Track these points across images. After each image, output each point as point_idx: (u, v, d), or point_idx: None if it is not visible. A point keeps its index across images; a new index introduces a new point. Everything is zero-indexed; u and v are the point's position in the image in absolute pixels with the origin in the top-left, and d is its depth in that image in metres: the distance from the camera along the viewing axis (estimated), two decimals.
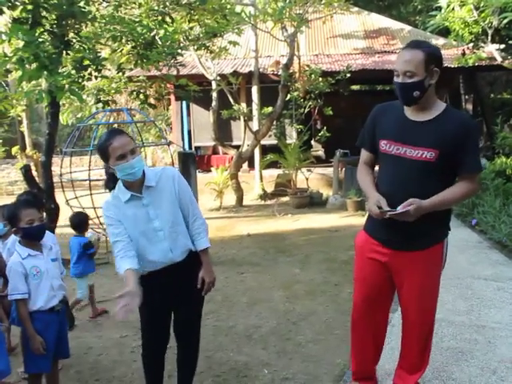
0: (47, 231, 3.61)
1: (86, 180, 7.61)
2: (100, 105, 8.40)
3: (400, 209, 2.68)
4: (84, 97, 8.61)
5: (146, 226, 2.93)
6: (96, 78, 7.02)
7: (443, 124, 2.76)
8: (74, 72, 6.42)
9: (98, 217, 7.32)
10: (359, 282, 3.11)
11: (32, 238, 3.25)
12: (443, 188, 2.76)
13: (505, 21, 10.75)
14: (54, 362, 3.45)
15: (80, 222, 5.23)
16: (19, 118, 21.11)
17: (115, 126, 10.21)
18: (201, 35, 10.09)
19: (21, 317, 3.17)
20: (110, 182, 3.01)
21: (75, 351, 4.22)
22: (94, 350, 4.37)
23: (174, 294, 3.04)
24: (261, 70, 13.29)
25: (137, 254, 2.92)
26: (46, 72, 5.61)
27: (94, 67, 6.54)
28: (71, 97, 8.28)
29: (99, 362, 4.13)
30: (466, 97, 15.37)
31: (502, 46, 12.72)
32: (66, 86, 5.82)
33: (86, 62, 6.48)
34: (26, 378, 3.79)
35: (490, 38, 12.26)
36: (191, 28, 10.23)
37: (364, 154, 3.12)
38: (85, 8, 6.39)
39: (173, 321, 3.18)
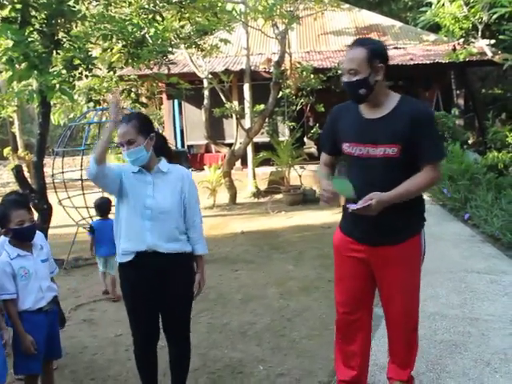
0: (37, 231, 3.63)
1: (78, 180, 7.57)
2: (91, 104, 8.36)
3: (361, 203, 2.66)
4: (75, 97, 8.59)
5: (139, 200, 2.98)
6: (87, 77, 6.99)
7: (399, 117, 2.74)
8: (64, 71, 6.39)
9: (90, 216, 7.30)
10: (340, 281, 3.08)
11: (23, 239, 3.20)
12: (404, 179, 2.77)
13: (495, 16, 10.81)
14: (48, 363, 3.39)
15: (103, 204, 5.78)
16: (10, 119, 21.06)
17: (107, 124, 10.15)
18: (191, 33, 10.08)
19: (10, 317, 3.12)
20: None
21: (70, 350, 4.22)
22: (88, 349, 4.36)
23: (159, 293, 3.05)
24: (252, 67, 13.28)
25: (121, 226, 3.07)
26: (36, 72, 5.57)
27: (85, 66, 6.51)
28: (62, 96, 8.24)
29: (94, 362, 4.12)
30: (458, 92, 15.41)
31: (493, 41, 12.77)
32: (57, 85, 5.79)
33: (77, 62, 6.45)
34: (20, 379, 3.79)
35: (480, 33, 12.33)
36: (182, 26, 10.21)
37: (323, 156, 3.17)
38: (74, 7, 6.36)
39: (161, 320, 3.19)
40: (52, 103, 8.22)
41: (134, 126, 2.95)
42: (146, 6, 8.05)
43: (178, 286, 3.05)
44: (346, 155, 2.92)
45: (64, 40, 6.42)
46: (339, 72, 12.34)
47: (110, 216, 5.67)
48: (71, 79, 6.42)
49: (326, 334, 4.29)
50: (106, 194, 5.74)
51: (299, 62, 12.78)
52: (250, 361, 3.91)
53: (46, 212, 6.78)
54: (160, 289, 3.03)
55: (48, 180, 7.43)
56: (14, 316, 3.11)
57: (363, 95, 2.74)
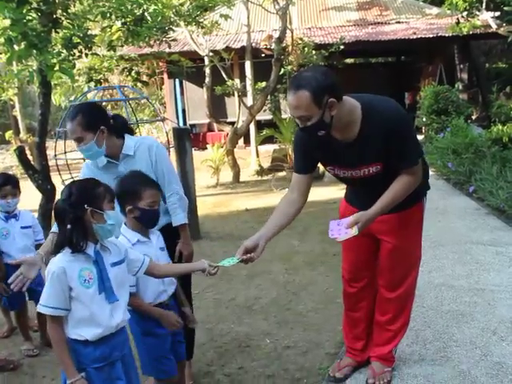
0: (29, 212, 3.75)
1: (81, 159, 7.55)
2: (92, 84, 8.32)
3: (344, 228, 2.56)
4: (76, 77, 8.54)
5: None
6: (87, 55, 6.93)
7: (371, 135, 2.54)
8: (64, 50, 6.34)
9: None
10: (345, 250, 3.11)
11: (148, 223, 2.71)
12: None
13: None
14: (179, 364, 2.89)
15: None
16: (11, 103, 21.00)
17: (108, 104, 10.13)
18: (191, 10, 9.97)
19: (138, 308, 2.61)
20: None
21: None
22: None
23: None
24: (253, 44, 13.17)
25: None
26: (35, 51, 5.52)
27: (85, 45, 6.46)
28: (62, 77, 8.21)
29: None
30: (461, 66, 15.28)
31: (497, 14, 12.62)
32: (57, 64, 5.74)
33: (76, 40, 6.40)
34: (29, 356, 3.83)
35: (484, 5, 12.17)
36: (181, 4, 10.12)
37: (296, 178, 2.85)
38: None
39: None
40: (53, 84, 8.17)
41: (79, 124, 2.80)
42: None
43: (172, 259, 2.99)
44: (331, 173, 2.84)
45: (62, 18, 6.36)
46: (341, 47, 12.25)
47: None
48: (71, 58, 6.37)
49: (332, 307, 4.30)
50: None
51: (301, 38, 12.66)
52: (257, 334, 3.92)
53: (50, 192, 6.78)
54: None
55: (51, 163, 7.41)
56: (143, 306, 2.64)
57: (325, 134, 2.51)
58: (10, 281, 2.61)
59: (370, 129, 2.54)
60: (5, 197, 3.78)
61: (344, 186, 3.12)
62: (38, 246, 3.76)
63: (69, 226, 2.18)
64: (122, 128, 3.04)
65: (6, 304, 4.01)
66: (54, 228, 2.68)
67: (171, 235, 3.01)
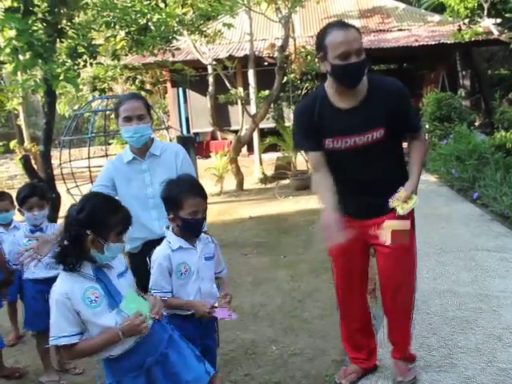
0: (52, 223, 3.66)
1: (85, 167, 7.59)
2: (96, 93, 8.37)
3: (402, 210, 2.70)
4: (80, 87, 8.59)
5: (140, 191, 2.98)
6: (91, 65, 6.98)
7: (376, 100, 2.69)
8: (68, 60, 6.40)
9: None
10: (337, 258, 3.05)
11: (191, 233, 2.60)
12: (399, 152, 2.88)
13: None
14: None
15: None
16: (16, 112, 21.11)
17: (112, 113, 10.18)
18: (194, 19, 10.03)
19: (168, 306, 2.51)
20: None
21: None
22: None
23: None
24: (256, 53, 13.24)
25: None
26: (40, 60, 5.58)
27: (89, 54, 6.51)
28: (67, 86, 8.27)
29: None
30: (463, 73, 15.31)
31: (499, 20, 12.65)
32: (62, 74, 5.79)
33: (81, 50, 6.45)
34: None
35: (486, 12, 12.20)
36: (185, 13, 10.18)
37: (315, 157, 2.84)
38: None
39: None
40: (57, 93, 8.23)
41: (144, 103, 2.97)
42: None
43: None
44: (329, 151, 2.79)
45: (67, 28, 6.42)
46: None
47: None
48: (76, 67, 6.42)
49: (337, 313, 4.28)
50: None
51: (303, 46, 12.72)
52: (263, 341, 3.93)
53: (55, 201, 6.81)
54: None
55: (56, 171, 7.44)
56: (172, 302, 2.53)
57: (363, 75, 2.65)
58: (20, 251, 2.64)
59: (375, 93, 2.69)
60: (31, 209, 3.52)
61: None
62: None
63: (66, 243, 2.10)
64: None
65: (28, 324, 3.72)
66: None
67: None
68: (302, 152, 12.10)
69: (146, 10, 7.55)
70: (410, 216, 2.85)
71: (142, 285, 3.10)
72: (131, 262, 3.16)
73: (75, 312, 2.05)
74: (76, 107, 13.34)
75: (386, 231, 2.76)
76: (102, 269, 2.17)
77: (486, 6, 11.98)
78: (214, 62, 12.18)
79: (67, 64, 6.23)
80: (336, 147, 2.75)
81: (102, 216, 2.12)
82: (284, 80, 12.04)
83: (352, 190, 2.84)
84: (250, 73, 12.80)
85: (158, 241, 2.97)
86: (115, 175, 3.00)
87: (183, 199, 2.49)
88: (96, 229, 2.09)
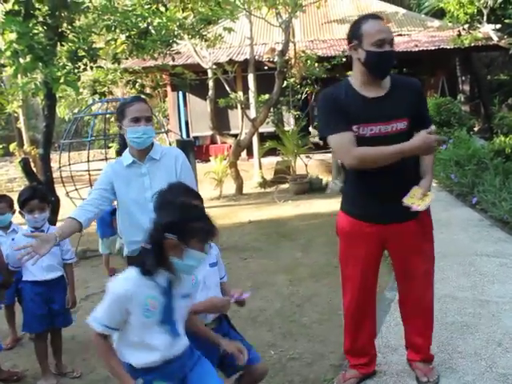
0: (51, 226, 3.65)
1: (85, 171, 7.59)
2: (97, 96, 8.38)
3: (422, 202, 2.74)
4: (80, 90, 8.60)
5: (139, 195, 2.98)
6: (92, 68, 7.00)
7: (400, 93, 2.80)
8: (69, 63, 6.41)
9: None
10: (353, 264, 3.00)
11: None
12: None
13: (499, 0, 10.71)
14: None
15: None
16: (15, 115, 21.12)
17: (112, 116, 10.19)
18: (195, 24, 10.06)
19: (194, 330, 2.36)
20: (122, 151, 3.10)
21: (81, 339, 4.27)
22: None
23: None
24: (256, 57, 13.25)
25: (127, 222, 3.03)
26: (41, 64, 5.59)
27: (89, 58, 6.53)
28: (67, 89, 8.27)
29: None
30: (463, 78, 15.35)
31: (498, 26, 12.68)
32: (62, 77, 5.80)
33: (81, 53, 6.47)
34: None
35: (485, 17, 12.23)
36: (185, 17, 10.20)
37: (345, 137, 2.72)
38: None
39: None
40: (57, 97, 8.23)
41: (149, 106, 3.01)
42: None
43: None
44: None
45: (68, 32, 6.44)
46: (343, 60, 12.31)
47: None
48: (76, 71, 6.44)
49: (336, 318, 4.29)
50: None
51: (303, 51, 12.75)
52: (261, 346, 3.91)
53: (54, 204, 6.81)
54: None
55: (55, 175, 7.45)
56: (201, 330, 2.43)
57: (392, 66, 2.77)
58: (17, 248, 2.62)
59: (401, 86, 2.83)
60: (31, 212, 3.52)
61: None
62: (65, 266, 3.72)
63: (149, 246, 2.05)
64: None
65: (27, 327, 3.70)
66: (72, 213, 2.81)
67: None
68: (302, 156, 12.18)
69: (147, 14, 7.58)
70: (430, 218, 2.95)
71: None
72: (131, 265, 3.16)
73: (126, 311, 2.03)
74: (76, 110, 13.33)
75: (416, 196, 2.76)
76: (174, 284, 2.12)
77: (485, 11, 12.01)
78: (214, 66, 12.21)
79: (67, 67, 6.24)
80: (361, 134, 2.76)
81: (185, 220, 2.07)
82: (284, 84, 12.06)
83: (373, 185, 2.82)
84: (250, 77, 12.82)
85: None
86: (114, 179, 3.00)
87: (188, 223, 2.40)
88: (178, 232, 2.03)
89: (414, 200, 2.73)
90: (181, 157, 3.10)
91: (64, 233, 2.74)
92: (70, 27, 6.48)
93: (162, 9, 8.14)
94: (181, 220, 2.05)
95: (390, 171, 2.72)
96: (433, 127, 2.79)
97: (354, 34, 2.76)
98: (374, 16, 2.80)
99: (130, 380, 2.03)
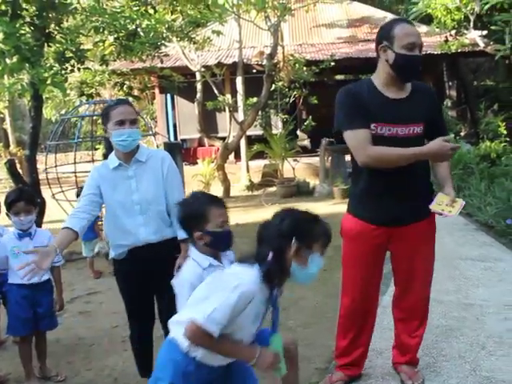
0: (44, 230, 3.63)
1: (72, 172, 7.55)
2: (84, 98, 8.34)
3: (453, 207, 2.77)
4: (67, 91, 8.56)
5: (126, 198, 2.97)
6: (79, 70, 6.97)
7: (419, 97, 2.85)
8: (56, 64, 6.38)
9: None
10: (356, 266, 3.01)
11: (221, 247, 2.47)
12: None
13: (486, 6, 10.83)
14: None
15: None
16: (1, 116, 20.97)
17: (99, 118, 10.15)
18: (184, 26, 10.05)
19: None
20: (108, 154, 3.09)
21: (66, 342, 4.24)
22: (85, 340, 4.36)
23: (153, 281, 3.04)
24: (245, 60, 13.26)
25: (113, 225, 3.02)
26: (27, 64, 5.56)
27: (77, 59, 6.50)
28: (54, 91, 8.22)
29: (90, 352, 4.12)
30: (450, 84, 15.47)
31: (485, 32, 12.80)
32: (49, 78, 5.77)
33: (69, 54, 6.44)
34: None
35: (472, 24, 12.34)
36: (174, 19, 10.19)
37: (362, 135, 2.74)
38: (65, 0, 6.35)
39: (157, 309, 3.20)
40: (44, 98, 8.18)
41: (134, 109, 3.01)
42: None
43: (171, 273, 3.01)
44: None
45: (55, 33, 6.41)
46: (332, 64, 12.37)
47: None
48: (63, 72, 6.40)
49: (322, 321, 4.30)
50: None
51: (292, 55, 12.78)
52: None
53: (40, 206, 6.76)
54: (153, 277, 3.02)
55: (41, 176, 7.40)
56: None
57: (419, 71, 2.82)
58: (18, 268, 2.57)
59: (421, 91, 2.89)
60: (17, 214, 3.47)
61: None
62: (52, 269, 3.64)
63: (270, 257, 1.95)
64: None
65: (11, 329, 3.65)
66: (66, 223, 2.79)
67: (173, 249, 3.02)
68: (289, 160, 12.20)
69: (135, 16, 7.56)
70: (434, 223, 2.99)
71: (132, 290, 3.10)
72: (118, 267, 3.15)
73: (241, 312, 1.94)
74: (63, 112, 13.25)
75: (445, 203, 2.77)
76: (276, 292, 2.06)
77: (472, 18, 12.12)
78: (203, 69, 12.21)
79: (55, 68, 6.21)
80: (380, 133, 2.78)
81: (306, 223, 2.02)
82: (272, 88, 12.09)
83: (385, 187, 2.83)
84: (239, 80, 12.83)
85: (144, 247, 2.97)
86: (101, 182, 2.99)
87: (208, 211, 2.36)
88: (301, 237, 1.97)
89: (443, 207, 2.75)
90: (167, 159, 3.09)
91: (62, 243, 2.74)
92: (57, 28, 6.45)
93: (151, 11, 8.13)
94: (305, 224, 2.01)
95: (403, 173, 2.75)
96: (451, 136, 2.82)
97: (385, 35, 2.78)
98: (406, 20, 2.90)
99: (255, 349, 1.99)
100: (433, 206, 2.77)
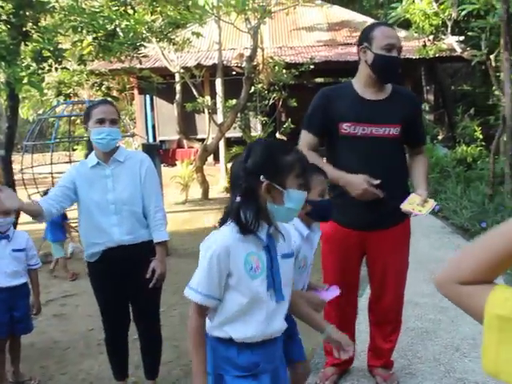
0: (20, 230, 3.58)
1: (48, 173, 7.46)
2: (61, 98, 8.25)
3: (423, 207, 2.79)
4: (44, 91, 8.46)
5: (101, 196, 2.95)
6: (56, 69, 6.89)
7: (399, 99, 2.89)
8: (33, 64, 6.29)
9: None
10: (333, 270, 3.05)
11: (323, 216, 2.42)
12: (404, 157, 3.00)
13: (463, 13, 10.96)
14: None
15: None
16: None
17: (78, 119, 10.05)
18: (163, 27, 10.00)
19: (299, 315, 2.08)
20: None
21: (41, 346, 4.18)
22: (59, 344, 4.30)
23: (128, 284, 3.02)
24: (225, 62, 13.26)
25: (87, 223, 3.01)
26: (3, 63, 5.48)
27: (54, 59, 6.42)
28: (31, 90, 8.13)
29: (65, 356, 4.07)
30: (428, 88, 15.63)
31: (462, 38, 12.96)
32: (26, 78, 5.69)
33: (46, 54, 6.36)
34: None
35: (449, 29, 12.48)
36: (154, 20, 10.14)
37: (309, 138, 2.96)
38: None
39: (132, 312, 3.18)
40: (20, 97, 8.08)
41: (116, 110, 3.00)
42: None
43: (144, 273, 2.97)
44: (343, 136, 2.87)
45: (32, 31, 6.32)
46: (311, 67, 12.42)
47: None
48: (40, 71, 6.32)
49: (300, 325, 4.29)
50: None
51: (271, 57, 12.81)
52: None
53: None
54: (128, 279, 3.00)
55: (17, 177, 7.29)
56: (298, 306, 2.05)
57: (398, 74, 2.86)
58: None
59: (401, 95, 2.94)
60: None
61: None
62: (30, 272, 3.60)
63: (238, 199, 1.76)
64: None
65: None
66: (43, 198, 2.87)
67: (148, 252, 3.00)
68: None
69: (114, 16, 7.49)
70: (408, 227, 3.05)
71: (106, 292, 3.07)
72: (92, 270, 3.12)
73: (226, 273, 1.76)
74: (41, 111, 13.08)
75: (416, 203, 2.81)
76: (273, 238, 1.83)
77: (449, 24, 12.25)
78: (182, 70, 12.16)
79: (32, 68, 6.12)
80: (353, 132, 2.84)
81: (273, 157, 1.77)
82: (251, 90, 12.09)
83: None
84: (218, 82, 12.80)
85: (118, 249, 2.94)
86: (77, 179, 2.98)
87: (310, 180, 2.06)
88: (270, 173, 1.74)
89: (414, 206, 2.79)
90: (146, 161, 3.08)
91: (24, 205, 2.74)
92: (34, 27, 6.36)
93: (130, 11, 8.07)
94: (271, 156, 1.76)
95: (380, 178, 2.78)
96: (420, 193, 2.83)
97: (365, 36, 2.85)
98: (387, 24, 2.99)
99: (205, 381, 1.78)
100: (404, 206, 2.81)
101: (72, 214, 6.10)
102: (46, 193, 6.10)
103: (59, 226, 6.20)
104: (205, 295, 1.77)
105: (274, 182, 1.74)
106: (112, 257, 2.96)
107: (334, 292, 2.41)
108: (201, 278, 1.77)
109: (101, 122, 2.90)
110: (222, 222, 1.83)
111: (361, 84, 2.91)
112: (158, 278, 2.98)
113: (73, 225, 6.55)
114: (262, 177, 1.73)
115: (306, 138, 2.97)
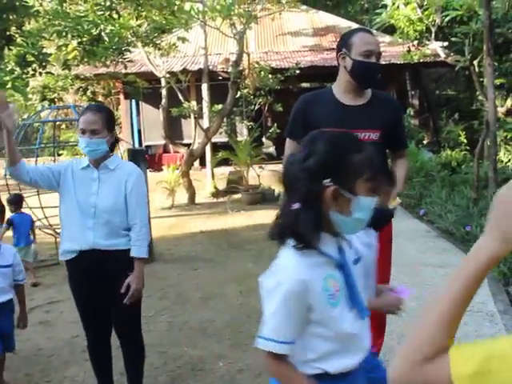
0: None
1: None
2: (46, 102, 8.19)
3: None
4: (29, 96, 8.40)
5: (84, 198, 2.94)
6: (41, 74, 6.84)
7: (379, 105, 2.92)
8: (17, 68, 6.26)
9: (46, 217, 7.14)
10: None
11: (378, 226, 2.10)
12: (386, 162, 3.04)
13: (447, 18, 11.09)
14: None
15: (14, 199, 6.26)
16: None
17: (63, 124, 9.99)
18: (149, 32, 9.98)
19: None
20: None
21: (25, 353, 4.13)
22: (44, 351, 4.26)
23: (104, 288, 2.99)
24: (210, 67, 13.25)
25: (68, 218, 3.00)
26: None
27: (39, 63, 6.39)
28: (15, 95, 8.05)
29: (50, 363, 4.03)
30: (413, 93, 15.74)
31: (446, 44, 13.10)
32: (9, 82, 5.65)
33: (30, 58, 6.32)
34: None
35: (433, 35, 12.60)
36: (139, 25, 10.12)
37: (293, 146, 2.93)
38: (27, 2, 6.23)
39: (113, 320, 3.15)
40: None
41: (103, 118, 2.92)
42: (102, 3, 7.95)
43: (120, 284, 2.93)
44: None
45: (16, 36, 6.29)
46: (297, 72, 12.46)
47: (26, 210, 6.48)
48: (24, 76, 6.29)
49: None
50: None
51: (257, 62, 12.81)
52: (210, 358, 3.89)
53: None
54: (104, 285, 2.97)
55: (1, 182, 7.23)
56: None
57: (377, 80, 2.87)
58: None
59: (381, 100, 2.96)
60: None
61: None
62: (16, 287, 3.53)
63: (296, 205, 1.44)
64: (113, 144, 3.09)
65: None
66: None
67: (124, 261, 2.95)
68: (255, 167, 12.22)
69: (99, 21, 7.48)
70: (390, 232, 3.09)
71: (82, 296, 3.04)
72: (69, 271, 3.13)
73: (306, 309, 1.46)
74: (25, 116, 12.97)
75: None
76: (344, 250, 1.55)
77: (433, 29, 12.37)
78: (168, 75, 12.13)
79: (16, 72, 6.09)
80: None
81: (342, 156, 1.45)
82: (237, 95, 12.09)
83: None
84: (204, 87, 12.79)
85: (92, 252, 2.91)
86: (66, 174, 2.98)
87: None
88: (338, 176, 1.43)
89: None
90: (134, 175, 3.04)
91: (13, 139, 2.81)
92: (18, 31, 6.33)
93: (115, 16, 8.05)
94: (339, 155, 1.46)
95: None
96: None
97: (344, 43, 2.88)
98: (367, 30, 2.99)
99: None
100: None
101: (54, 220, 6.07)
102: (9, 200, 6.15)
103: (27, 231, 6.30)
104: (282, 343, 1.45)
105: (342, 187, 1.44)
106: (87, 258, 2.94)
107: (407, 291, 2.16)
108: (279, 323, 1.46)
109: (82, 132, 2.90)
110: (279, 237, 1.54)
111: (340, 89, 2.93)
112: (134, 294, 2.93)
113: (58, 230, 6.49)
114: (327, 180, 1.43)
115: (290, 147, 3.01)
